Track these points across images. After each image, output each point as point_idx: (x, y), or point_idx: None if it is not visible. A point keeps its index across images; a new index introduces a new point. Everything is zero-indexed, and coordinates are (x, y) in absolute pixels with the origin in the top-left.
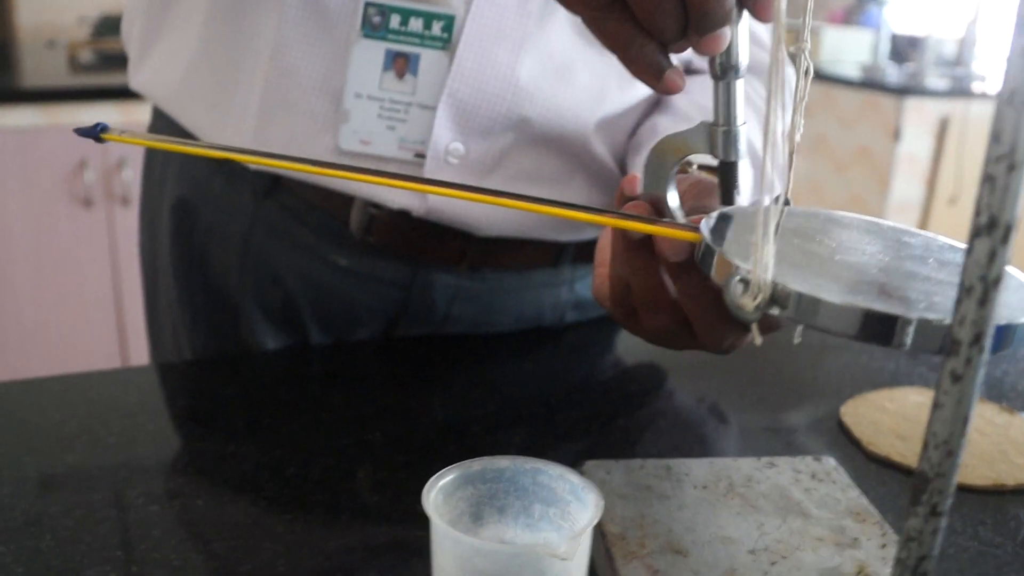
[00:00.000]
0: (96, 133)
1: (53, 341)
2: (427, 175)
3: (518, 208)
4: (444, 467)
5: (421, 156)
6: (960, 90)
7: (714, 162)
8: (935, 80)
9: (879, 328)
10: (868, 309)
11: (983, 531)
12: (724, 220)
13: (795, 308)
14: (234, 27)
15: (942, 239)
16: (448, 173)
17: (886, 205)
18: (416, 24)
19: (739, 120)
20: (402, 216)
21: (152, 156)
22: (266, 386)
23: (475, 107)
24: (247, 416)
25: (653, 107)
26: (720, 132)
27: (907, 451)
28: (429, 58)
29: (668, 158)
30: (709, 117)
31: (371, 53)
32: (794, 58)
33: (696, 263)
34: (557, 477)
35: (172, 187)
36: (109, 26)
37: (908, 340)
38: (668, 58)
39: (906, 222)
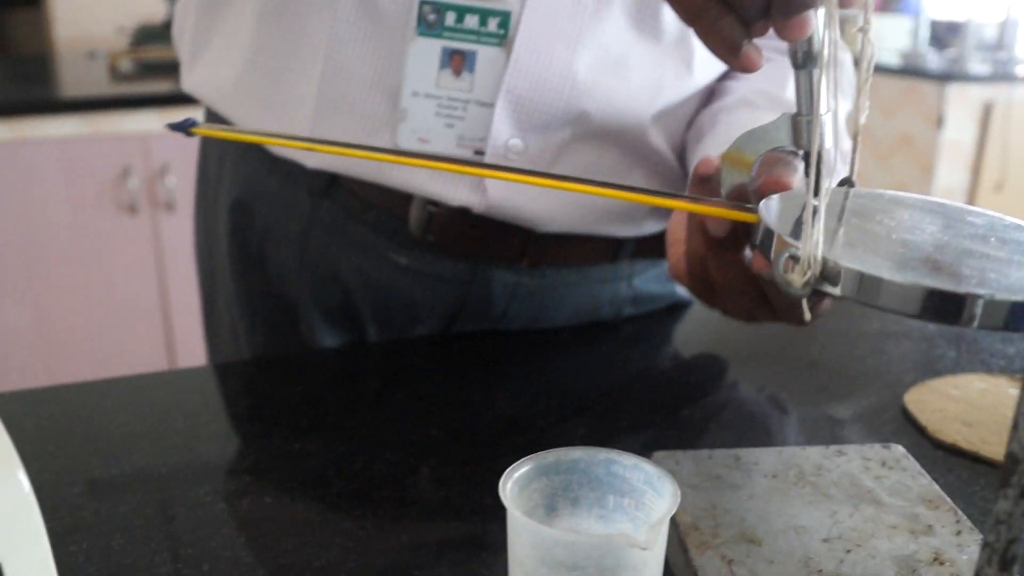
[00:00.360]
0: (187, 128)
1: (100, 349)
2: None
3: (581, 191)
4: (509, 461)
5: (480, 153)
6: (1003, 74)
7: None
8: (977, 65)
9: (932, 304)
10: (914, 284)
11: None
12: (786, 202)
13: (844, 284)
14: (287, 27)
15: (1009, 219)
16: None
17: (930, 193)
18: (472, 21)
19: (823, 109)
20: (462, 213)
21: (206, 158)
22: (327, 384)
23: (533, 103)
24: (310, 414)
25: (710, 97)
26: (804, 122)
27: (974, 438)
28: (486, 55)
29: (749, 152)
30: (769, 103)
31: (427, 51)
32: (854, 41)
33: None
34: (631, 467)
35: (228, 188)
36: (147, 35)
37: (964, 316)
38: (747, 33)
39: None
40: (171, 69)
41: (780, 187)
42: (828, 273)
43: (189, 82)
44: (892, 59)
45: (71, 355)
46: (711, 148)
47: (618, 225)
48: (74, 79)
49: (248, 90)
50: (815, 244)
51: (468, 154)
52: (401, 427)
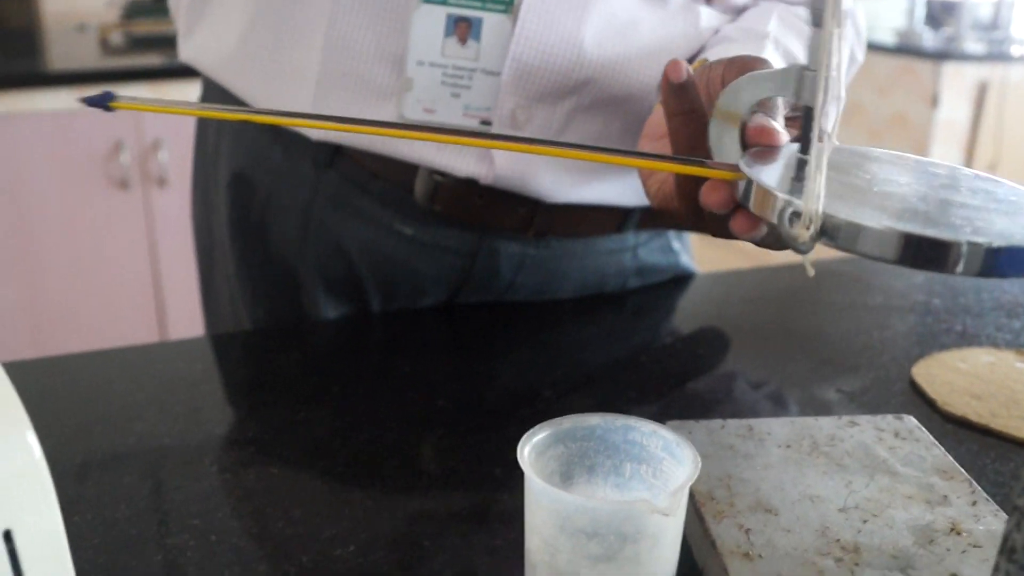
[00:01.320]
0: (105, 102)
1: (91, 324)
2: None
3: (580, 158)
4: (517, 432)
5: (487, 123)
6: (998, 54)
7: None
8: (972, 44)
9: (928, 253)
10: (918, 234)
11: None
12: (769, 158)
13: (846, 238)
14: (295, 8)
15: (965, 170)
16: None
17: None
18: None
19: (834, 67)
20: (468, 184)
21: (204, 130)
22: (330, 354)
23: (540, 71)
24: (314, 384)
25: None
26: (811, 77)
27: (983, 411)
28: (492, 22)
29: (745, 97)
30: (745, 36)
31: (432, 19)
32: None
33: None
34: (650, 434)
35: (227, 160)
36: (138, 8)
37: (960, 264)
38: None
39: None
40: (162, 42)
41: (771, 139)
42: (827, 227)
43: (187, 51)
44: (887, 37)
45: (61, 330)
46: None
47: (624, 196)
48: (64, 52)
49: (248, 59)
50: (818, 200)
51: (474, 124)
52: (406, 398)
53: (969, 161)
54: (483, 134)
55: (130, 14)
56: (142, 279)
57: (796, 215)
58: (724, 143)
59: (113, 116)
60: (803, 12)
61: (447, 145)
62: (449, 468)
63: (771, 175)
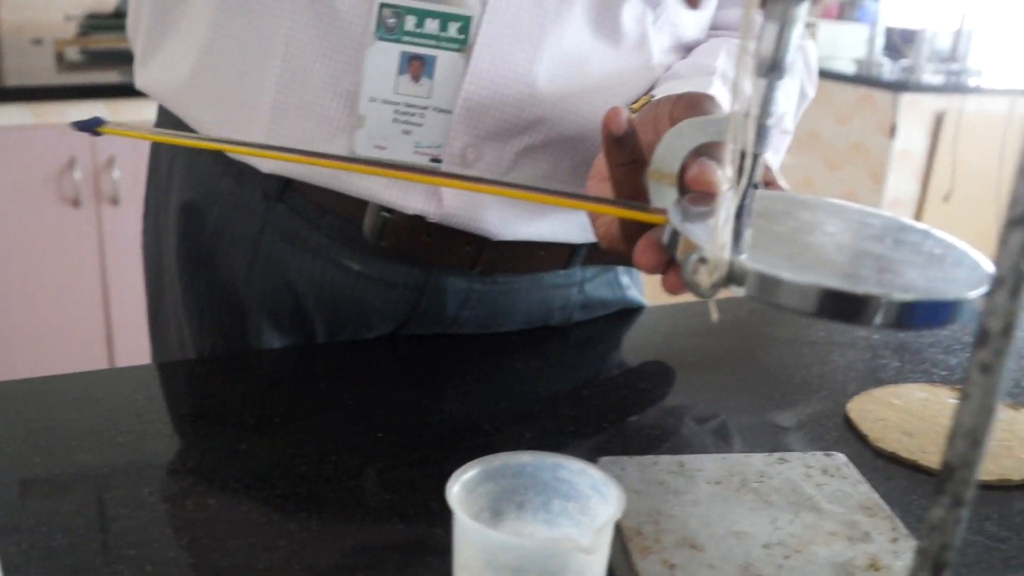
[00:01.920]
0: (92, 127)
1: (40, 340)
2: None
3: (498, 194)
4: (456, 465)
5: (437, 160)
6: (955, 85)
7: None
8: (930, 75)
9: (836, 305)
10: (821, 287)
11: (989, 525)
12: (697, 203)
13: (748, 284)
14: (243, 27)
15: (904, 220)
16: None
17: (881, 202)
18: (432, 25)
19: (773, 116)
20: (416, 221)
21: (157, 156)
22: (274, 384)
23: (491, 110)
24: (256, 414)
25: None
26: (744, 122)
27: (914, 447)
28: (445, 60)
29: (685, 142)
30: (692, 71)
31: (386, 56)
32: None
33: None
34: (578, 472)
35: (179, 188)
36: (95, 24)
37: (872, 317)
38: None
39: None
40: (120, 59)
41: (706, 187)
42: (734, 274)
43: (142, 79)
44: (847, 67)
45: (7, 347)
46: None
47: (571, 233)
48: (19, 67)
49: (203, 90)
50: (722, 247)
51: (424, 161)
52: (348, 429)
53: (925, 190)
54: (433, 171)
55: (87, 29)
56: (93, 296)
57: (703, 260)
58: (662, 192)
59: (66, 133)
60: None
61: (396, 182)
62: (387, 501)
63: (701, 221)
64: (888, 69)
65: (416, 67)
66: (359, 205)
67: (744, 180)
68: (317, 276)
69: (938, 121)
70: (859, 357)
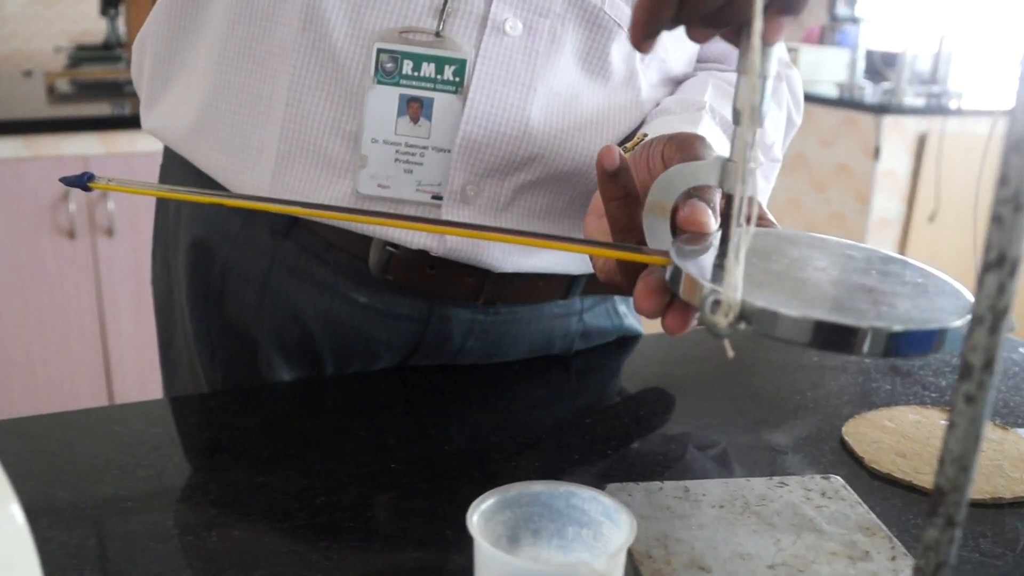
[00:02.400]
0: (83, 183)
1: (37, 370)
2: (444, 216)
3: (496, 240)
4: (467, 493)
5: (438, 198)
6: (936, 107)
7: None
8: (912, 98)
9: (836, 337)
10: (827, 321)
11: (984, 543)
12: (690, 243)
13: (762, 323)
14: (247, 74)
15: (881, 251)
16: (464, 213)
17: (866, 222)
18: (428, 69)
19: (754, 161)
20: (420, 255)
21: (166, 178)
22: (286, 417)
23: (488, 148)
24: (271, 447)
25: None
26: (734, 168)
27: (908, 468)
28: (442, 102)
29: (676, 185)
30: (682, 107)
31: (386, 99)
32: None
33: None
34: (590, 499)
35: (188, 226)
36: (85, 56)
37: (864, 347)
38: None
39: (886, 239)
40: (110, 90)
41: (699, 227)
42: (747, 313)
43: (149, 122)
44: (830, 91)
45: (5, 378)
46: None
47: (572, 265)
48: (10, 99)
49: (209, 134)
50: (735, 288)
51: (426, 198)
52: (361, 460)
53: (910, 210)
54: (435, 221)
55: (76, 61)
56: (90, 328)
57: (717, 302)
58: (656, 230)
59: (62, 164)
60: (733, 78)
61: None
62: (403, 529)
63: (700, 260)
64: (870, 92)
65: (415, 109)
66: (364, 240)
67: (752, 222)
68: (325, 309)
69: (921, 142)
70: (852, 380)
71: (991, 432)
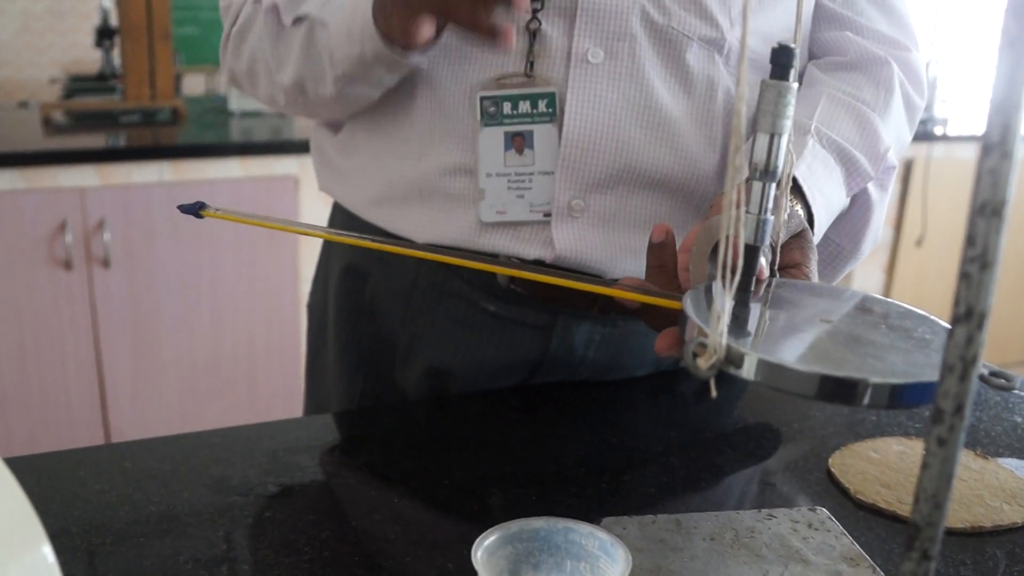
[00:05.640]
0: (196, 210)
1: (33, 401)
2: (555, 230)
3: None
4: (469, 526)
5: (548, 215)
6: (923, 134)
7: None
8: None
9: (824, 388)
10: (804, 370)
11: (964, 571)
12: (711, 292)
13: (747, 369)
14: (394, 146)
15: (903, 306)
16: (575, 226)
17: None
18: (525, 106)
19: (769, 212)
20: (539, 265)
21: (332, 220)
22: (290, 452)
23: (586, 165)
24: (277, 482)
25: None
26: (751, 219)
27: (892, 498)
28: (541, 132)
29: (712, 235)
30: (807, 139)
31: (493, 138)
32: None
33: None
34: (587, 535)
35: (341, 253)
36: (80, 87)
37: (866, 399)
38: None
39: (875, 263)
40: (106, 120)
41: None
42: (732, 358)
43: (332, 191)
44: None
45: (2, 409)
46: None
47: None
48: (6, 130)
49: (375, 196)
50: (720, 334)
51: (539, 217)
52: (364, 494)
53: (898, 235)
54: (511, 264)
55: (72, 92)
56: (85, 359)
57: (702, 345)
58: (697, 278)
59: (58, 196)
60: (853, 84)
61: (517, 235)
62: (407, 563)
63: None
64: None
65: (519, 142)
66: (492, 257)
67: (739, 273)
68: (460, 319)
69: (907, 168)
70: (838, 412)
71: (972, 462)
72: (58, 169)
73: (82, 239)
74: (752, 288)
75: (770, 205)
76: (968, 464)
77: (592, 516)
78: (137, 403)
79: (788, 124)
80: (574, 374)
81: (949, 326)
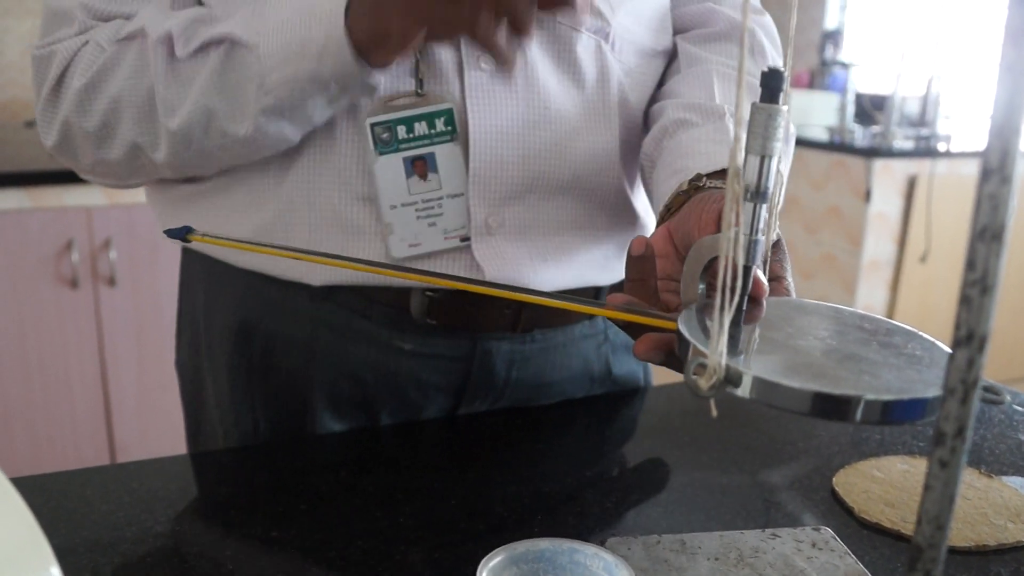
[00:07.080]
0: (183, 235)
1: (38, 420)
2: (477, 252)
3: (538, 303)
4: (475, 546)
5: (466, 239)
6: (926, 150)
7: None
8: (901, 141)
9: (817, 404)
10: (800, 388)
11: None
12: (703, 310)
13: (744, 387)
14: (275, 184)
15: (892, 323)
16: (495, 243)
17: (859, 264)
18: (422, 127)
19: (760, 232)
20: (459, 294)
21: (189, 283)
22: (296, 474)
23: (497, 179)
24: (283, 502)
25: (646, 121)
26: (744, 239)
27: (896, 517)
28: (443, 152)
29: (705, 255)
30: (702, 117)
31: (391, 166)
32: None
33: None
34: (592, 555)
35: (224, 309)
36: None
37: (858, 415)
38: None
39: (879, 280)
40: None
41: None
42: (732, 377)
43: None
44: (820, 134)
45: (6, 427)
46: (664, 178)
47: (594, 274)
48: (13, 151)
49: (247, 231)
50: (720, 354)
51: (456, 243)
52: (370, 515)
53: (901, 251)
54: (482, 282)
55: None
56: (91, 377)
57: (702, 366)
58: (689, 296)
59: (64, 215)
60: (732, 57)
61: (437, 266)
62: None
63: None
64: (860, 136)
65: (420, 167)
66: (404, 292)
67: (738, 293)
68: (374, 362)
69: (911, 184)
70: (842, 431)
71: (976, 480)
72: (64, 189)
73: (88, 258)
74: (744, 308)
75: (761, 225)
76: (972, 482)
77: (597, 536)
78: (142, 421)
79: (778, 147)
80: (499, 400)
81: (936, 341)
